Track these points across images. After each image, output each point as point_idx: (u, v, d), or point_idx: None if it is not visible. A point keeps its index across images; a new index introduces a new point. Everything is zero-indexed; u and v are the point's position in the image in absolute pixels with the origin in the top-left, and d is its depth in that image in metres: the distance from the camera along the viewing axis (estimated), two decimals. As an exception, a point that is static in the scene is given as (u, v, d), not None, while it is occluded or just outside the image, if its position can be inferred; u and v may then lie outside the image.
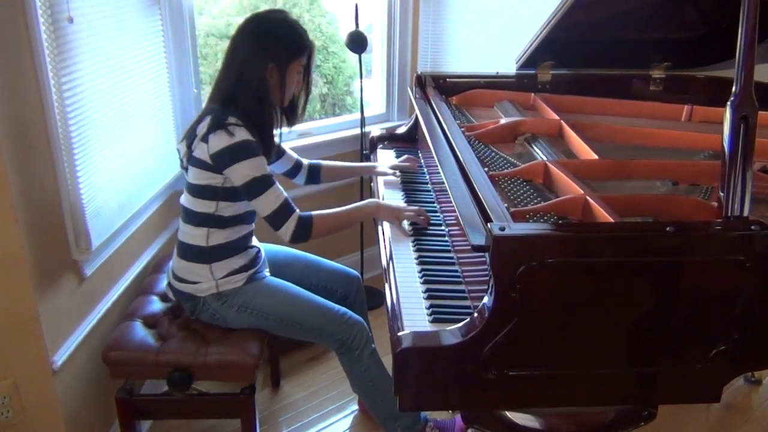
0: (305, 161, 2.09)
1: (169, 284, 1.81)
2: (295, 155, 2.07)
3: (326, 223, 1.73)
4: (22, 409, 1.57)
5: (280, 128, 1.83)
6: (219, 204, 1.68)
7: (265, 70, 1.66)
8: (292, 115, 1.85)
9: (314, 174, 2.10)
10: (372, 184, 2.15)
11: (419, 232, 1.71)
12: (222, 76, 1.70)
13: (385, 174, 2.13)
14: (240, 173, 1.61)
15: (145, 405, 1.76)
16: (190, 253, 1.73)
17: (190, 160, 1.68)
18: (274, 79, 1.68)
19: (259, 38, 1.66)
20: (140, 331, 1.72)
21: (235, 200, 1.69)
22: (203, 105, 1.85)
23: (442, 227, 1.73)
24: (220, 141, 1.59)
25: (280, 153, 2.01)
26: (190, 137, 1.68)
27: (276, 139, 1.81)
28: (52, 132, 1.51)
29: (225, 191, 1.67)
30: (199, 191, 1.69)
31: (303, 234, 1.68)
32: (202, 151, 1.63)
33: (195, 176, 1.68)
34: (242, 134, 1.60)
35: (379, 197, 2.02)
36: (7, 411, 1.55)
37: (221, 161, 1.61)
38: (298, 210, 1.69)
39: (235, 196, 1.68)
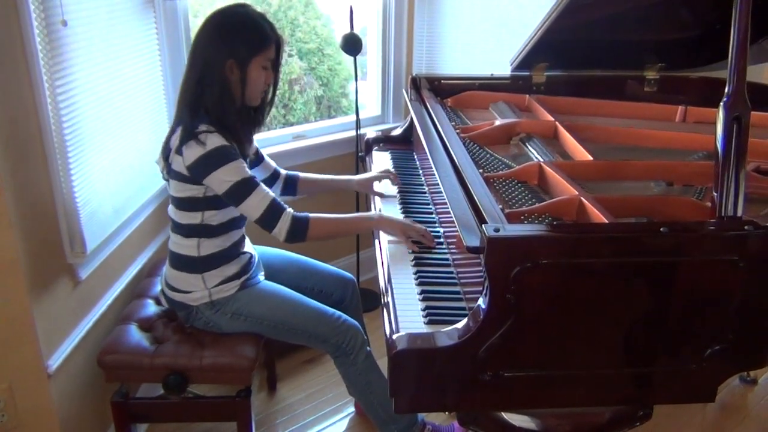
0: (283, 171, 2.01)
1: (163, 292, 1.80)
2: (273, 164, 1.98)
3: (322, 227, 1.68)
4: (17, 413, 1.57)
5: (255, 129, 1.78)
6: (204, 214, 1.66)
7: (224, 67, 1.58)
8: (258, 115, 1.76)
9: (290, 185, 2.01)
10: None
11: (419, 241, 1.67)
12: (185, 80, 1.63)
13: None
14: (219, 181, 1.56)
15: (141, 408, 1.76)
16: (182, 262, 1.72)
17: (169, 173, 1.64)
18: (235, 76, 1.60)
19: (217, 34, 1.58)
20: (135, 335, 1.71)
21: (221, 208, 1.66)
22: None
23: (438, 229, 1.73)
24: (193, 152, 1.55)
25: (258, 160, 1.93)
26: (165, 151, 1.64)
27: (254, 143, 1.77)
28: (46, 135, 1.51)
29: (208, 201, 1.64)
30: (182, 203, 1.66)
31: (298, 234, 1.64)
32: (178, 164, 1.59)
33: (176, 189, 1.65)
34: (215, 141, 1.55)
35: (372, 196, 2.01)
36: (2, 415, 1.55)
37: (198, 172, 1.57)
38: (289, 208, 1.65)
39: (220, 204, 1.65)
